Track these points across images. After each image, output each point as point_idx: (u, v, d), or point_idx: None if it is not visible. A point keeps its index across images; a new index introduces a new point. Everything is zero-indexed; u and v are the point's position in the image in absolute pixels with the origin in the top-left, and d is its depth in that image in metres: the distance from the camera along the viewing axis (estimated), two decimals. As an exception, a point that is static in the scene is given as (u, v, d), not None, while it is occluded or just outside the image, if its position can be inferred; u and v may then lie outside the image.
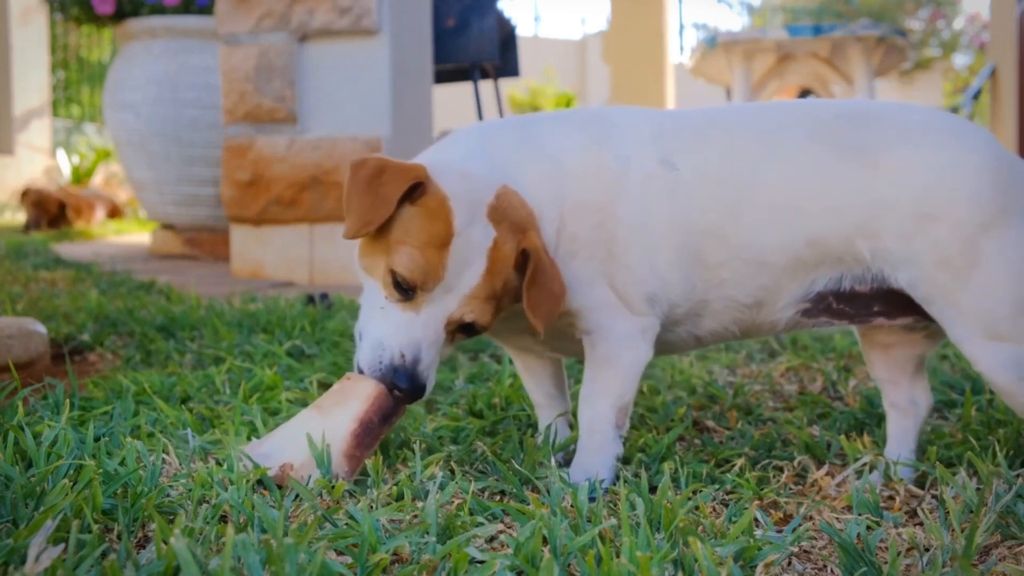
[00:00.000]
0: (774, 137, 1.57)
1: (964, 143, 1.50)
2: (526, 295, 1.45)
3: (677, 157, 1.57)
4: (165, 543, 1.11)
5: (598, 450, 1.57)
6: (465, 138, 1.64)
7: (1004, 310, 1.45)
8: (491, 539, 1.28)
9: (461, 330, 1.49)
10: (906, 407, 1.70)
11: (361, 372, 1.47)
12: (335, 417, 1.47)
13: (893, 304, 1.56)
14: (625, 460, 1.63)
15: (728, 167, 1.56)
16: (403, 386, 1.44)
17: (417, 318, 1.44)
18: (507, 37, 6.44)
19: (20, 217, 9.50)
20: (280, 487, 1.43)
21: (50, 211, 7.91)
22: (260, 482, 1.43)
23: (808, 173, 1.52)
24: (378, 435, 1.47)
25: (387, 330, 1.45)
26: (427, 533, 1.22)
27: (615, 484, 1.51)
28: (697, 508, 1.37)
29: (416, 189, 1.44)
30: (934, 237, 1.46)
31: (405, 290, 1.44)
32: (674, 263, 1.56)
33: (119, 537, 1.25)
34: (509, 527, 1.32)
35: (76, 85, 13.93)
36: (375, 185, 1.44)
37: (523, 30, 21.51)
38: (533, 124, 1.65)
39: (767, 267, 1.55)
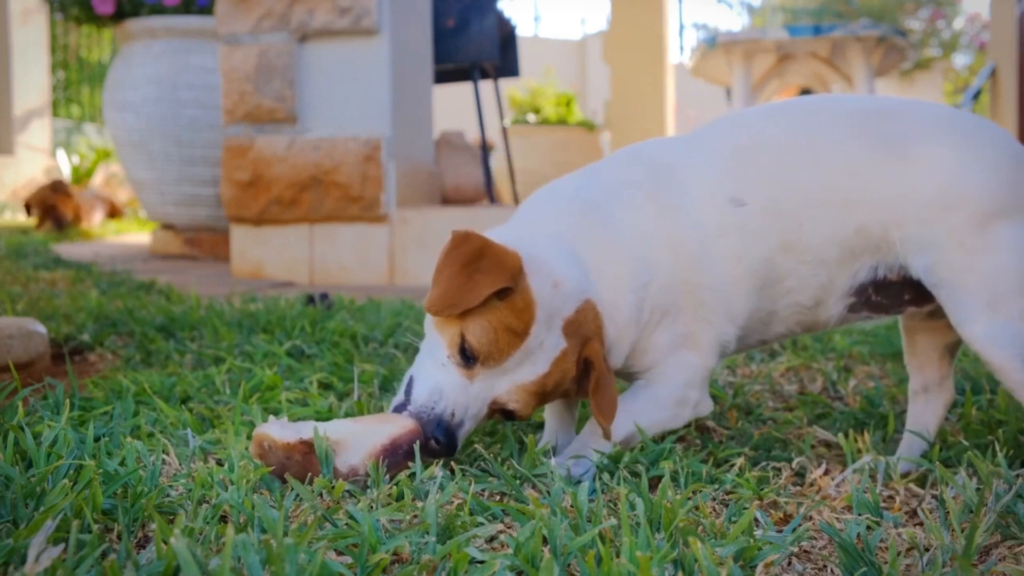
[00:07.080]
0: (817, 135, 1.63)
1: (988, 138, 1.58)
2: (593, 401, 1.53)
3: (739, 189, 1.62)
4: (165, 543, 1.11)
5: (596, 444, 1.59)
6: (552, 219, 1.63)
7: (1010, 284, 1.52)
8: (491, 539, 1.28)
9: (500, 412, 1.55)
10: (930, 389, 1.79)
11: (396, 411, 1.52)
12: (371, 428, 1.50)
13: (920, 292, 1.63)
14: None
15: (784, 178, 1.62)
16: (441, 440, 1.48)
17: (471, 386, 1.50)
18: (507, 37, 6.44)
19: (20, 217, 9.49)
20: (310, 453, 1.45)
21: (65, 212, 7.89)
22: (261, 481, 1.43)
23: (855, 166, 1.59)
24: (398, 462, 1.48)
25: (447, 385, 1.50)
26: (427, 533, 1.22)
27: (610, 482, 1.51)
28: (697, 508, 1.37)
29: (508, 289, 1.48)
30: (953, 222, 1.54)
31: (468, 357, 1.49)
32: (748, 299, 1.64)
33: (119, 537, 1.25)
34: (509, 527, 1.32)
35: (76, 85, 13.93)
36: (470, 270, 1.47)
37: (523, 30, 21.49)
38: (608, 204, 1.64)
39: (825, 264, 1.62)
